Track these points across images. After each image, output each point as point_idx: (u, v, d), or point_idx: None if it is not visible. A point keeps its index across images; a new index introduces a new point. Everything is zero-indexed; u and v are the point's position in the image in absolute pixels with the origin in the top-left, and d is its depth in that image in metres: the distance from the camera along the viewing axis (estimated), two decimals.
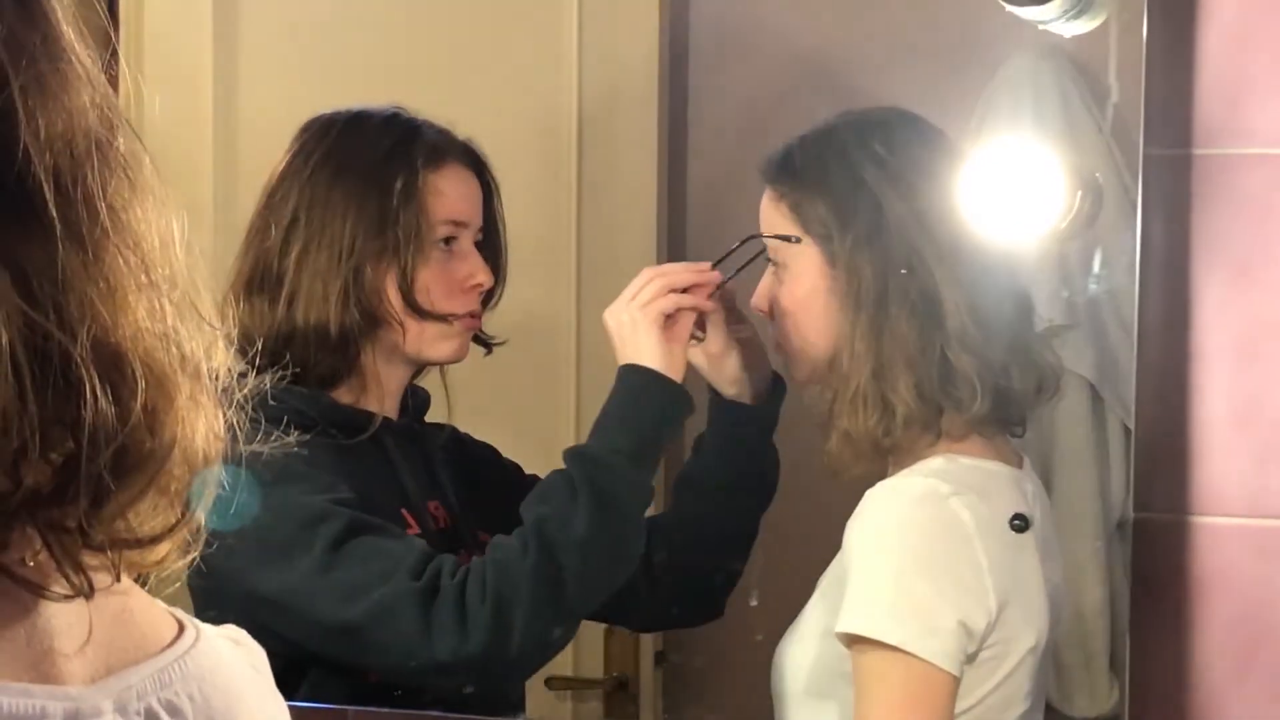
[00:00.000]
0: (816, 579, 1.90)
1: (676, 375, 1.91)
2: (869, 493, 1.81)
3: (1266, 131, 1.91)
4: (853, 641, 1.77)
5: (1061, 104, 2.08)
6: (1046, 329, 1.97)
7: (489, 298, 2.05)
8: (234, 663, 0.92)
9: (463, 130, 2.04)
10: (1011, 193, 1.89)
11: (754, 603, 2.13)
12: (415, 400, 2.07)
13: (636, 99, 2.41)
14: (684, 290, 1.93)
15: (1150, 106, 1.94)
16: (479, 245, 2.03)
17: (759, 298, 1.96)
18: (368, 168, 1.96)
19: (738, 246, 1.97)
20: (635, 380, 1.90)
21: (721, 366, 2.02)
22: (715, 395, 2.04)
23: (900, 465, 1.84)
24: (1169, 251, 1.94)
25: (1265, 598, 1.93)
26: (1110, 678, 2.08)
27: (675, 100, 2.39)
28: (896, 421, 1.82)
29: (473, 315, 2.02)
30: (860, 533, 1.80)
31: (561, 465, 1.93)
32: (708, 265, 1.96)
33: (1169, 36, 1.93)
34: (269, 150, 2.05)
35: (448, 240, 1.99)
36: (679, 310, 1.93)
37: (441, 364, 2.04)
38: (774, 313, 1.95)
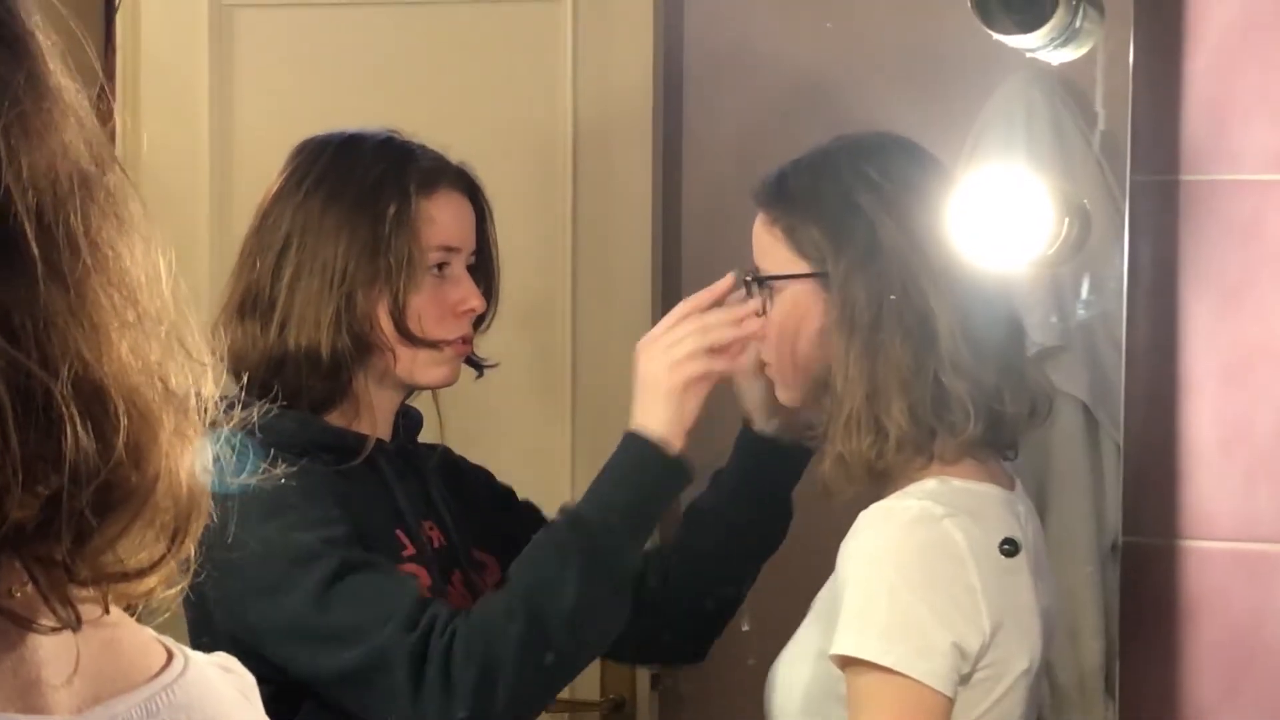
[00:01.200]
0: (810, 601, 1.91)
1: (680, 438, 1.89)
2: (862, 515, 1.81)
3: (1252, 157, 1.92)
4: (847, 663, 1.77)
5: (1053, 129, 2.08)
6: (1038, 352, 1.97)
7: (480, 321, 2.04)
8: (223, 690, 0.91)
9: (457, 154, 2.02)
10: (1001, 218, 1.89)
11: (745, 627, 2.13)
12: (408, 422, 2.06)
13: (631, 123, 2.41)
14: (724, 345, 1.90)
15: (1137, 133, 1.95)
16: (471, 269, 2.02)
17: None
18: (360, 193, 1.94)
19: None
20: (638, 450, 1.89)
21: (754, 393, 1.99)
22: (745, 428, 2.03)
23: (893, 487, 1.84)
24: (1156, 276, 1.95)
25: (1253, 621, 1.93)
26: (1105, 699, 2.08)
27: (670, 124, 2.39)
28: (890, 444, 1.82)
29: (464, 340, 2.00)
30: (854, 554, 1.80)
31: (544, 512, 1.91)
32: (755, 308, 1.90)
33: (1155, 64, 1.94)
34: (265, 174, 2.04)
35: (440, 266, 1.98)
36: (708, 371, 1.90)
37: (433, 388, 2.04)
38: (767, 335, 1.95)
